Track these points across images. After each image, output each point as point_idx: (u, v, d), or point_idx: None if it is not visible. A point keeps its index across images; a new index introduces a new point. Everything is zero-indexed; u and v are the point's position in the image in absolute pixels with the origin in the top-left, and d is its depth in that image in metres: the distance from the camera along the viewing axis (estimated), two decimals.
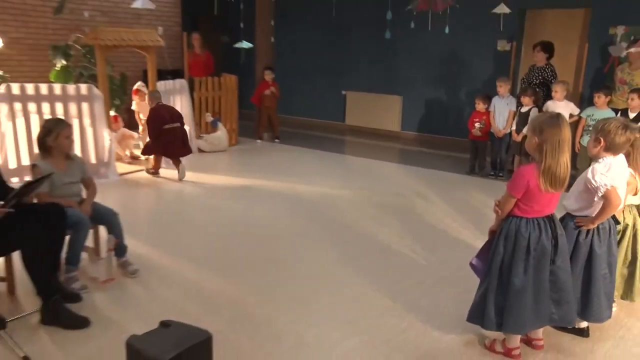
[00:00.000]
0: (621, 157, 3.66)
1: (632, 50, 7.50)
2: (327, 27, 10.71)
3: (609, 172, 3.51)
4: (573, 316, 3.63)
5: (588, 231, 3.63)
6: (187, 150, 8.01)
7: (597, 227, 3.66)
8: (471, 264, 3.75)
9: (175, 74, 10.90)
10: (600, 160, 3.55)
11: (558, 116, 3.32)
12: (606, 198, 3.48)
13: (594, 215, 3.60)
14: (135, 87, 9.20)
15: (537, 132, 3.30)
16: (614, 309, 4.15)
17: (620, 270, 4.11)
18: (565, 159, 3.28)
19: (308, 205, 6.83)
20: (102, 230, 4.77)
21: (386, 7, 9.02)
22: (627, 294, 4.18)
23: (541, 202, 3.35)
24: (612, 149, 3.57)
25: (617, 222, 3.90)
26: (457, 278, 4.68)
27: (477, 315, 3.57)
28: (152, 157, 8.11)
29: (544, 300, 3.48)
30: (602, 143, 3.54)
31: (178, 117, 7.86)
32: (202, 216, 6.48)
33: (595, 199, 3.53)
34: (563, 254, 3.48)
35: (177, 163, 7.81)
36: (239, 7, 9.94)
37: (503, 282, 3.44)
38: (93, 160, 7.69)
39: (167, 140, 7.66)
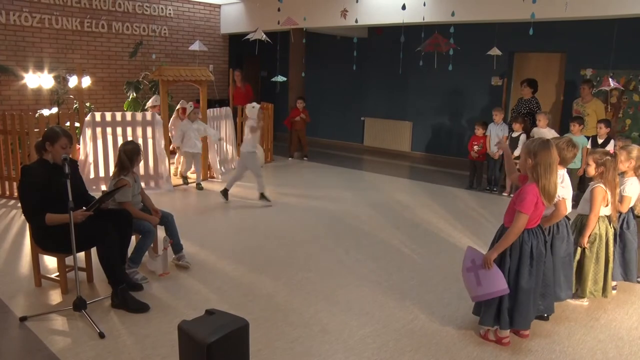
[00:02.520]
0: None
1: (601, 88, 7.77)
2: (349, 63, 10.74)
3: (563, 183, 3.58)
4: (553, 305, 3.66)
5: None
6: None
7: (557, 225, 3.73)
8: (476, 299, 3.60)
9: (222, 102, 11.05)
10: None
11: (548, 141, 3.31)
12: (557, 207, 3.51)
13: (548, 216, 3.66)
14: (179, 105, 8.68)
15: (531, 155, 3.28)
16: (584, 303, 4.20)
17: (594, 273, 4.08)
18: (555, 177, 3.28)
19: (331, 214, 6.82)
20: (159, 231, 4.81)
21: (398, 48, 9.02)
22: (601, 291, 4.17)
23: (536, 214, 3.33)
24: (563, 162, 3.71)
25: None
26: (456, 278, 4.62)
27: (491, 318, 3.48)
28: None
29: (537, 296, 3.47)
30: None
31: None
32: (242, 222, 6.50)
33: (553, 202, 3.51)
34: (550, 255, 3.47)
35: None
36: (277, 47, 10.03)
37: (511, 287, 3.38)
38: (152, 173, 7.81)
39: None
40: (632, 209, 4.36)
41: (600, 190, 4.01)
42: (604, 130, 6.94)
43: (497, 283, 3.35)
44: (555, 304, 3.76)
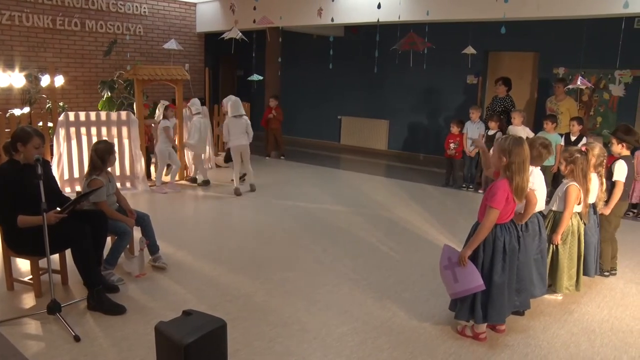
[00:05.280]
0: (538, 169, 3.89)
1: (570, 86, 7.85)
2: (325, 62, 10.76)
3: (531, 176, 3.62)
4: (529, 300, 3.69)
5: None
6: None
7: (526, 223, 3.74)
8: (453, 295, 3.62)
9: (200, 101, 10.93)
10: None
11: (521, 140, 3.35)
12: (527, 198, 3.53)
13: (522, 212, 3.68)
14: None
15: (505, 153, 3.30)
16: (559, 298, 4.26)
17: (568, 268, 4.16)
18: (528, 175, 3.33)
19: (309, 213, 6.81)
20: (135, 232, 4.75)
21: (374, 47, 9.07)
22: (575, 286, 4.26)
23: (508, 210, 3.37)
24: (534, 162, 3.77)
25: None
26: (433, 276, 4.65)
27: (466, 312, 3.51)
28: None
29: (512, 291, 3.50)
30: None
31: None
32: (218, 221, 6.47)
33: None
34: (523, 250, 3.51)
35: None
36: (252, 46, 9.99)
37: (485, 282, 3.40)
38: (128, 172, 7.71)
39: None
40: (593, 205, 4.44)
41: (574, 188, 4.07)
42: (576, 128, 7.05)
43: (473, 279, 3.39)
44: (531, 300, 3.81)
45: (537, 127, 8.28)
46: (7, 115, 7.30)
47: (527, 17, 7.86)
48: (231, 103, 7.49)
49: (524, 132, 7.39)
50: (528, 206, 3.63)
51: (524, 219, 3.67)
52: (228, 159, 7.54)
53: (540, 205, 3.91)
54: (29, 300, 4.05)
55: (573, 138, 7.07)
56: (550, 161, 6.97)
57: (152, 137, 8.32)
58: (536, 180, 3.80)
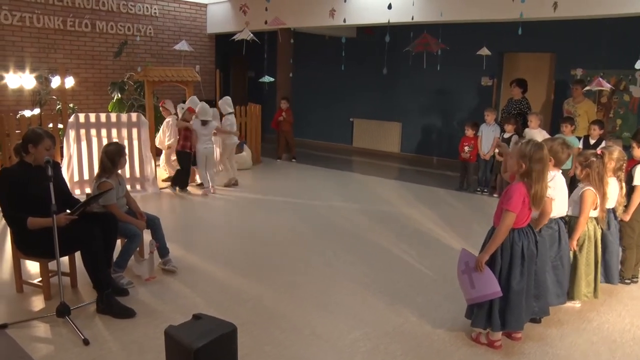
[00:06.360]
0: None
1: (589, 88, 7.71)
2: (337, 63, 10.77)
3: (552, 181, 3.61)
4: (548, 307, 3.64)
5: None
6: None
7: (541, 230, 3.71)
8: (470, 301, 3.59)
9: (209, 103, 10.96)
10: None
11: (542, 145, 3.31)
12: (543, 207, 3.48)
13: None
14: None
15: (526, 159, 3.26)
16: (577, 305, 4.20)
17: (585, 275, 4.10)
18: (547, 182, 3.30)
19: (320, 215, 6.81)
20: (145, 235, 4.77)
21: (385, 48, 9.06)
22: (593, 293, 4.19)
23: (525, 213, 3.35)
24: (557, 164, 3.76)
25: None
26: (446, 280, 4.64)
27: (483, 320, 3.47)
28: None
29: (530, 297, 3.46)
30: (552, 160, 3.69)
31: None
32: (229, 224, 6.49)
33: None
34: (541, 255, 3.47)
35: None
36: (264, 48, 10.01)
37: (502, 288, 3.37)
38: (138, 175, 7.75)
39: None
40: (613, 211, 4.37)
41: (590, 193, 4.01)
42: (597, 132, 6.92)
43: (490, 285, 3.36)
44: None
45: (553, 130, 8.22)
46: (18, 116, 7.37)
47: (544, 17, 7.80)
48: (199, 108, 7.64)
49: (541, 135, 7.32)
50: (543, 215, 3.60)
51: (538, 226, 3.63)
52: (193, 162, 7.92)
53: (562, 210, 3.87)
54: (38, 302, 4.08)
55: (592, 142, 6.95)
56: (567, 164, 6.91)
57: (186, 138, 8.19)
58: (557, 185, 3.75)
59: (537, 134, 7.29)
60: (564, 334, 3.77)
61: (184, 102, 8.29)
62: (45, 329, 3.65)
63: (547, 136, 7.43)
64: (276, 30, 10.26)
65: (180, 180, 7.82)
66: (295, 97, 11.71)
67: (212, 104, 10.36)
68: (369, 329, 3.77)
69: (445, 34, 8.71)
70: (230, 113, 8.43)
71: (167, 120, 8.40)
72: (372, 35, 11.79)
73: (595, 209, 4.08)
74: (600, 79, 7.38)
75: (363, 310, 4.08)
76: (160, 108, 8.63)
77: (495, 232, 3.37)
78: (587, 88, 7.84)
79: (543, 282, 3.56)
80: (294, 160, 10.88)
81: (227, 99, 8.12)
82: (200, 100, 7.96)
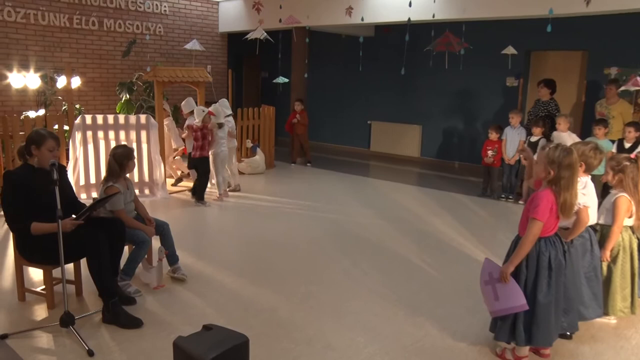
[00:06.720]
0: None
1: (624, 88, 7.61)
2: (354, 63, 10.78)
3: (585, 189, 3.57)
4: (577, 322, 3.58)
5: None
6: None
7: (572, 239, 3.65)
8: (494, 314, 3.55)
9: None
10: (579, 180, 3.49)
11: (572, 151, 3.25)
12: (578, 216, 3.44)
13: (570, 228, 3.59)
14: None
15: (554, 165, 3.21)
16: (612, 321, 4.11)
17: (621, 288, 4.02)
18: (576, 189, 3.25)
19: (336, 223, 6.80)
20: (154, 241, 4.79)
21: (403, 48, 9.04)
22: (630, 308, 4.09)
23: (552, 221, 3.30)
24: (588, 169, 3.70)
25: None
26: (469, 291, 4.59)
27: (506, 332, 3.43)
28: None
29: (559, 311, 3.41)
30: (583, 166, 3.66)
31: None
32: (241, 231, 6.49)
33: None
34: (571, 266, 3.42)
35: None
36: (278, 47, 10.05)
37: (528, 300, 3.32)
38: (147, 179, 7.80)
39: None
40: None
41: (624, 200, 3.94)
42: (632, 134, 6.76)
43: (515, 298, 3.31)
44: (580, 323, 3.69)
45: (584, 133, 8.12)
46: (22, 117, 7.44)
47: (576, 12, 7.68)
48: (214, 110, 7.63)
49: (570, 138, 7.23)
50: (578, 225, 3.54)
51: (570, 237, 3.58)
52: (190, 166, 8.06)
53: (592, 219, 3.82)
54: (40, 311, 4.11)
55: (627, 145, 6.80)
56: (599, 170, 6.81)
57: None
58: (588, 192, 3.69)
59: (567, 137, 7.20)
60: (598, 352, 3.69)
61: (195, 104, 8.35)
62: (47, 340, 3.66)
63: (577, 140, 7.36)
64: (291, 29, 10.30)
65: (202, 190, 7.68)
66: (310, 98, 11.73)
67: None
68: (386, 342, 3.75)
69: (469, 32, 8.67)
70: (228, 115, 8.42)
71: (165, 123, 8.44)
72: (387, 34, 11.77)
73: (630, 217, 4.00)
74: (638, 77, 7.25)
75: (380, 322, 4.06)
76: None
77: (521, 241, 3.33)
78: (622, 88, 7.72)
79: (573, 295, 3.50)
80: (308, 164, 10.88)
81: (224, 101, 8.10)
82: (212, 103, 8.00)
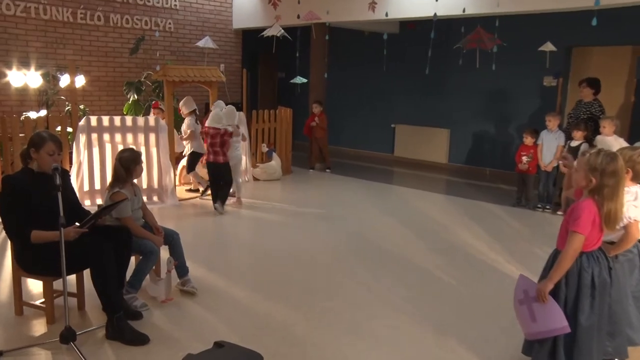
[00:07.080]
0: None
1: None
2: (378, 63, 10.79)
3: (636, 201, 3.46)
4: (625, 348, 3.48)
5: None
6: None
7: (617, 255, 3.57)
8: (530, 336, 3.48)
9: (235, 106, 11.08)
10: (627, 190, 3.41)
11: (616, 156, 3.16)
12: (627, 231, 3.36)
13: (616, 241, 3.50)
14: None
15: (596, 173, 3.13)
16: None
17: None
18: (623, 199, 3.16)
19: (357, 233, 6.77)
20: (162, 252, 4.80)
21: (434, 45, 9.00)
22: None
23: (595, 235, 3.21)
24: (636, 177, 3.56)
25: None
26: (503, 311, 4.52)
27: (545, 357, 3.34)
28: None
29: (602, 335, 3.32)
30: (630, 173, 3.49)
31: None
32: (255, 241, 6.50)
33: (617, 227, 3.34)
34: (617, 285, 3.33)
35: None
36: (296, 45, 10.08)
37: (569, 322, 3.23)
38: (156, 185, 7.84)
39: None
40: None
41: None
42: None
43: (556, 319, 3.22)
44: (630, 349, 3.60)
45: (633, 138, 7.98)
46: (22, 118, 7.52)
47: (626, 2, 7.52)
48: (227, 113, 7.58)
49: (617, 143, 7.13)
50: (627, 240, 3.46)
51: (615, 251, 3.50)
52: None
53: None
54: (39, 326, 4.12)
55: None
56: None
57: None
58: (638, 200, 3.60)
59: (612, 141, 7.10)
60: None
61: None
62: (46, 357, 3.67)
63: (625, 144, 7.24)
64: (310, 26, 10.33)
65: (224, 198, 7.61)
66: (330, 100, 11.74)
67: (239, 106, 10.49)
68: None
69: (502, 27, 8.60)
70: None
71: (185, 124, 8.51)
72: (413, 30, 11.74)
73: None
74: None
75: (404, 342, 4.02)
76: (152, 110, 8.73)
77: (560, 256, 3.25)
78: None
79: (620, 317, 3.41)
80: (328, 170, 10.88)
81: (220, 102, 7.93)
82: (227, 104, 8.02)
